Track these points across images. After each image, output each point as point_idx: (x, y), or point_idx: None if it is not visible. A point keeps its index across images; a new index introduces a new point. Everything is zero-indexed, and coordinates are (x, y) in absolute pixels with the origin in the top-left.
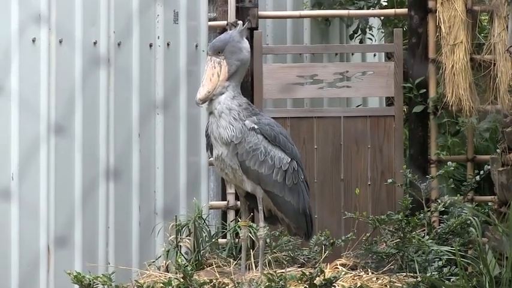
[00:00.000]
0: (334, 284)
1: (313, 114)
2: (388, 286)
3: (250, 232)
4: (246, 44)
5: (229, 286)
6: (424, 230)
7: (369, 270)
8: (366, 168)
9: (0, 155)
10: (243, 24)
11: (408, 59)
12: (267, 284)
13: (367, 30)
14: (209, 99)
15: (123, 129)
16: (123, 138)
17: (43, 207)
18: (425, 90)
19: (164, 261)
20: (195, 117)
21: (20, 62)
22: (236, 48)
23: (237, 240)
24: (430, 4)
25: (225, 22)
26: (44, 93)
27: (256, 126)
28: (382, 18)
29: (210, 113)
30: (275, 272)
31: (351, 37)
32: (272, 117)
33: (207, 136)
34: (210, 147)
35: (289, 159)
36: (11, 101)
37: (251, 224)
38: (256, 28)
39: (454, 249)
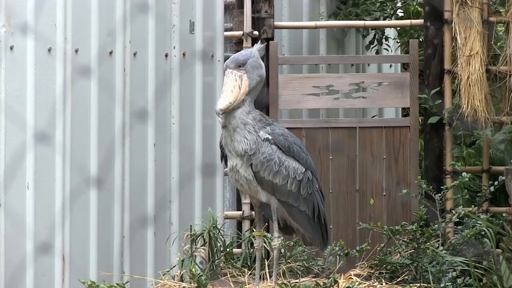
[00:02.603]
0: None
1: (329, 125)
2: None
3: (265, 242)
4: (261, 61)
5: None
6: (439, 240)
7: (383, 280)
8: (381, 179)
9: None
10: (259, 35)
11: (424, 70)
12: None
13: (383, 40)
14: (230, 110)
15: (138, 139)
16: (139, 148)
17: (58, 217)
18: (440, 101)
19: (179, 271)
20: (211, 127)
21: (36, 71)
22: (257, 64)
23: (251, 250)
24: (446, 15)
25: (241, 32)
26: (59, 101)
27: (270, 137)
28: (398, 29)
29: (224, 126)
30: (289, 282)
31: (367, 48)
32: (288, 128)
33: (221, 147)
34: (224, 158)
35: (304, 169)
36: (27, 107)
37: (266, 234)
38: (272, 38)
39: (468, 260)
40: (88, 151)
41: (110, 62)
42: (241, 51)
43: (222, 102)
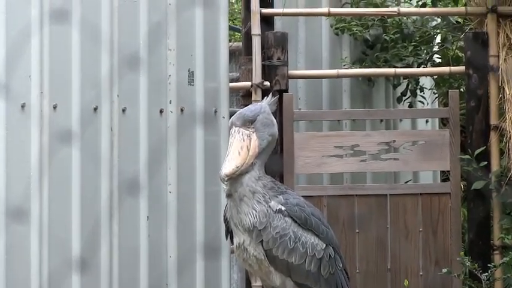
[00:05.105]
0: None
1: (354, 192)
2: None
3: None
4: (273, 118)
5: None
6: None
7: None
8: (416, 256)
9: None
10: (271, 86)
11: (466, 126)
12: None
13: (418, 91)
14: (236, 175)
15: (128, 210)
16: (129, 223)
17: None
18: (486, 162)
19: None
20: (215, 195)
21: (7, 133)
22: (269, 121)
23: None
24: (492, 61)
25: (249, 83)
26: (34, 164)
27: (283, 208)
28: (435, 77)
29: (229, 195)
30: None
31: (399, 100)
32: (305, 196)
33: (226, 221)
34: (230, 233)
35: (324, 245)
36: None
37: None
38: (286, 90)
39: None
40: (69, 228)
41: (94, 119)
42: (250, 106)
43: (228, 167)
